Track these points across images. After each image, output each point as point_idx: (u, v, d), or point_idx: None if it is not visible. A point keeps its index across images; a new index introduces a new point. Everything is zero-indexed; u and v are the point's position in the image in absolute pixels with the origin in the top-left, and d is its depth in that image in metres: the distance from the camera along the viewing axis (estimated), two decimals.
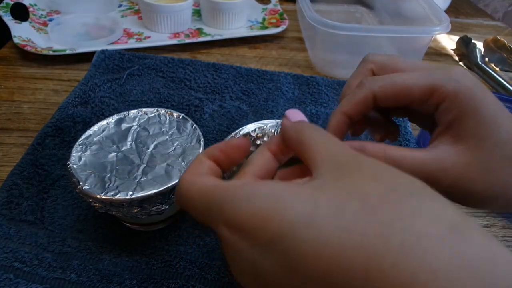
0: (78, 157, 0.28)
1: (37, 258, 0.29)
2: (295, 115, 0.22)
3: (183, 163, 0.29)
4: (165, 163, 0.29)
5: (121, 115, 0.33)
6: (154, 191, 0.26)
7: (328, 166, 0.17)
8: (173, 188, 0.27)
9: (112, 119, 0.32)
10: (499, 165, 0.21)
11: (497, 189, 0.21)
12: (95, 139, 0.30)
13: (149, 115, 0.33)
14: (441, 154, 0.22)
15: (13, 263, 0.28)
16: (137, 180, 0.27)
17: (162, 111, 0.33)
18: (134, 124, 0.32)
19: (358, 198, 0.15)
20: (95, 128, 0.31)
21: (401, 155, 0.22)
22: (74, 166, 0.28)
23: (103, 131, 0.31)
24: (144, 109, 0.33)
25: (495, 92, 0.55)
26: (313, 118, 0.45)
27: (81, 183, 0.26)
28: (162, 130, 0.32)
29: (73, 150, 0.29)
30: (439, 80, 0.22)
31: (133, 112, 0.33)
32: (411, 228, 0.13)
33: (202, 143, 0.30)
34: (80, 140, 0.30)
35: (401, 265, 0.12)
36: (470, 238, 0.13)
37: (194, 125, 0.32)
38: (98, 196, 0.26)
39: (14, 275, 0.27)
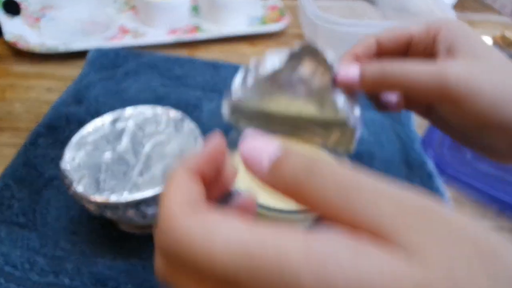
0: (72, 157, 0.28)
1: (28, 261, 0.28)
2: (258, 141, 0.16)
3: None
4: (162, 163, 0.29)
5: (116, 114, 0.32)
6: (151, 192, 0.26)
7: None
8: None
9: (107, 118, 0.32)
10: (500, 69, 0.24)
11: (506, 88, 0.23)
12: (89, 138, 0.30)
13: (146, 114, 0.33)
14: (450, 65, 0.24)
15: (4, 267, 0.28)
16: (133, 181, 0.27)
17: (159, 110, 0.33)
18: (129, 123, 0.32)
19: None
20: (89, 127, 0.31)
21: (417, 72, 0.24)
22: (68, 166, 0.28)
23: (98, 130, 0.31)
24: (140, 108, 0.33)
25: None
26: None
27: (74, 184, 0.26)
28: (158, 130, 0.32)
29: (66, 150, 0.29)
30: (432, 23, 0.26)
31: (128, 111, 0.33)
32: None
33: (200, 142, 0.30)
34: (73, 139, 0.30)
35: None
36: None
37: (192, 124, 0.32)
38: (91, 198, 0.26)
39: (5, 280, 0.27)
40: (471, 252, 0.11)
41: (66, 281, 0.28)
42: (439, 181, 0.38)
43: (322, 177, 0.14)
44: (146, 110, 0.33)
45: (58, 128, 0.39)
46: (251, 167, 0.16)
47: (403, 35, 0.27)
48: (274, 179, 0.15)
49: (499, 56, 0.25)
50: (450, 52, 0.25)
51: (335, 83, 0.26)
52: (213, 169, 0.17)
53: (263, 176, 0.15)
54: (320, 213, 0.14)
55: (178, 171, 0.16)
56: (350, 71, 0.25)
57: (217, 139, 0.17)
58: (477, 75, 0.23)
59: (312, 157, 0.15)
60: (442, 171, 0.40)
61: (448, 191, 0.38)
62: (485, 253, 0.11)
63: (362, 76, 0.25)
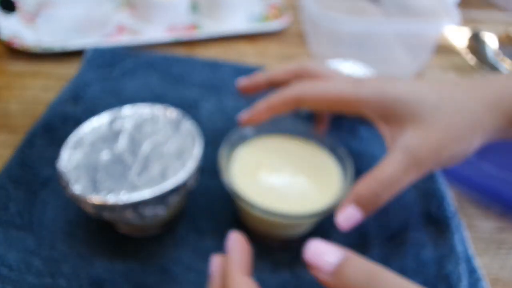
0: (68, 158, 0.28)
1: (25, 263, 0.29)
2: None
3: (178, 163, 0.29)
4: (160, 164, 0.29)
5: (114, 113, 0.33)
6: (148, 193, 0.26)
7: None
8: (169, 190, 0.27)
9: (104, 118, 0.32)
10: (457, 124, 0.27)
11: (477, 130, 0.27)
12: (86, 138, 0.30)
13: (143, 114, 0.33)
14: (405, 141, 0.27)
15: (0, 268, 0.28)
16: (131, 181, 0.27)
17: (157, 109, 0.33)
18: (127, 123, 0.32)
19: None
20: (86, 127, 0.31)
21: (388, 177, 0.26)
22: (64, 167, 0.28)
23: (95, 130, 0.31)
24: (138, 107, 0.33)
25: None
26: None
27: (71, 184, 0.27)
28: (156, 129, 0.32)
29: (63, 150, 0.29)
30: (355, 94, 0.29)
31: (126, 110, 0.33)
32: None
33: (199, 142, 0.30)
34: (70, 139, 0.30)
35: None
36: None
37: (191, 124, 0.32)
38: (88, 199, 0.26)
39: (1, 282, 0.28)
40: None
41: (63, 282, 0.28)
42: (442, 181, 0.38)
43: (382, 285, 0.16)
44: (143, 110, 0.33)
45: (54, 128, 0.40)
46: (316, 269, 0.18)
47: (324, 102, 0.30)
48: (338, 282, 0.17)
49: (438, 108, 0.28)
50: (391, 122, 0.28)
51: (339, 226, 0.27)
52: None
53: (327, 279, 0.17)
54: None
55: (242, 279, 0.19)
56: (350, 214, 0.27)
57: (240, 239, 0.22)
58: (439, 139, 0.27)
59: (372, 264, 0.17)
60: (444, 170, 0.40)
61: (451, 191, 0.39)
62: None
63: (365, 210, 0.27)
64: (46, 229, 0.31)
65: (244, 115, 0.33)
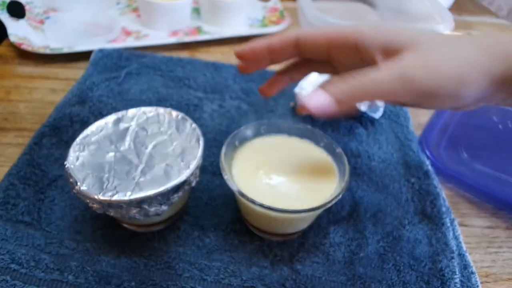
0: (76, 157, 0.28)
1: (34, 259, 0.29)
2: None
3: (182, 163, 0.29)
4: (164, 163, 0.29)
5: (119, 114, 0.33)
6: (153, 191, 0.26)
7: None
8: (172, 188, 0.27)
9: (110, 119, 0.32)
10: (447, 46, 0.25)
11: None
12: (93, 138, 0.30)
13: (148, 115, 0.33)
14: (406, 62, 0.25)
15: (10, 264, 0.28)
16: (136, 180, 0.27)
17: (161, 110, 0.33)
18: (132, 123, 0.32)
19: None
20: (93, 127, 0.31)
21: (381, 80, 0.25)
22: (72, 166, 0.28)
23: (101, 130, 0.31)
24: (142, 109, 0.33)
25: None
26: (314, 117, 0.45)
27: (78, 183, 0.26)
28: (161, 130, 0.32)
29: (70, 150, 0.29)
30: (344, 31, 0.28)
31: (131, 111, 0.33)
32: None
33: (201, 142, 0.30)
34: (77, 139, 0.30)
35: None
36: None
37: (193, 125, 0.32)
38: (96, 197, 0.26)
39: (11, 277, 0.27)
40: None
41: (71, 278, 0.28)
42: (436, 180, 0.38)
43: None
44: (148, 111, 0.33)
45: (62, 128, 0.39)
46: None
47: (323, 37, 0.28)
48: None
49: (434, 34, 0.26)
50: (389, 52, 0.26)
51: (303, 111, 0.25)
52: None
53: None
54: None
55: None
56: (319, 99, 0.25)
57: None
58: (434, 60, 0.24)
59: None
60: (438, 170, 0.40)
61: (444, 190, 0.39)
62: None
63: (337, 101, 0.25)
64: (54, 226, 0.31)
65: (240, 47, 0.30)
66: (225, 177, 0.29)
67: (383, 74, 0.24)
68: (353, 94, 0.25)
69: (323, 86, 0.25)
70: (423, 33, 0.26)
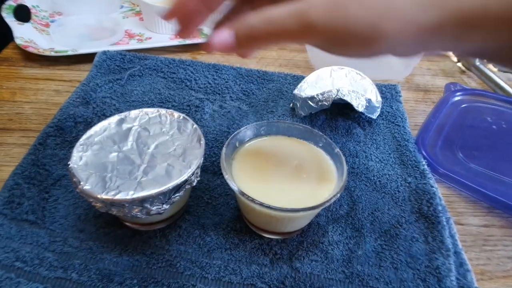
0: (79, 157, 0.28)
1: (38, 257, 0.29)
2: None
3: (183, 162, 0.29)
4: (166, 163, 0.29)
5: (122, 115, 0.33)
6: (155, 191, 0.26)
7: None
8: (173, 188, 0.27)
9: (113, 119, 0.32)
10: None
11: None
12: (96, 139, 0.30)
13: (150, 116, 0.33)
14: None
15: (14, 262, 0.28)
16: (138, 180, 0.27)
17: (163, 111, 0.33)
18: (135, 124, 0.32)
19: None
20: (96, 128, 0.31)
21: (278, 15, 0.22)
22: (75, 166, 0.28)
23: (104, 131, 0.31)
24: (145, 110, 0.33)
25: (493, 93, 0.55)
26: (313, 118, 0.45)
27: (82, 183, 0.26)
28: (162, 130, 0.32)
29: (74, 150, 0.29)
30: None
31: (134, 112, 0.33)
32: None
33: (202, 143, 0.30)
34: (81, 140, 0.30)
35: None
36: None
37: (195, 125, 0.32)
38: (99, 196, 0.26)
39: (15, 275, 0.27)
40: None
41: (74, 276, 0.28)
42: (432, 180, 0.38)
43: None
44: (151, 112, 0.33)
45: (66, 129, 0.39)
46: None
47: None
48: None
49: None
50: None
51: (207, 49, 0.24)
52: None
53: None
54: None
55: None
56: (223, 36, 0.23)
57: None
58: (343, 1, 0.21)
59: None
60: (434, 169, 0.40)
61: (440, 189, 0.39)
62: None
63: (237, 38, 0.23)
64: (58, 225, 0.31)
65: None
66: (226, 176, 0.29)
67: (280, 11, 0.22)
68: (251, 32, 0.23)
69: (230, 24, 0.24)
70: None
